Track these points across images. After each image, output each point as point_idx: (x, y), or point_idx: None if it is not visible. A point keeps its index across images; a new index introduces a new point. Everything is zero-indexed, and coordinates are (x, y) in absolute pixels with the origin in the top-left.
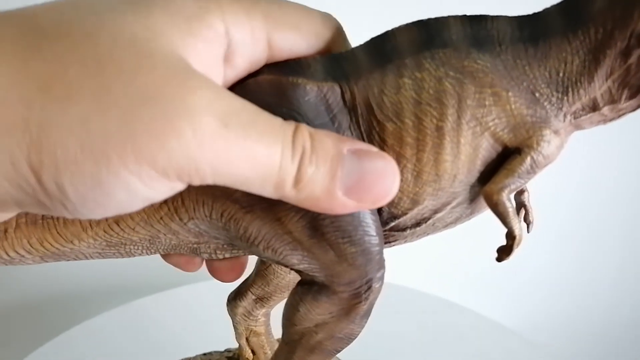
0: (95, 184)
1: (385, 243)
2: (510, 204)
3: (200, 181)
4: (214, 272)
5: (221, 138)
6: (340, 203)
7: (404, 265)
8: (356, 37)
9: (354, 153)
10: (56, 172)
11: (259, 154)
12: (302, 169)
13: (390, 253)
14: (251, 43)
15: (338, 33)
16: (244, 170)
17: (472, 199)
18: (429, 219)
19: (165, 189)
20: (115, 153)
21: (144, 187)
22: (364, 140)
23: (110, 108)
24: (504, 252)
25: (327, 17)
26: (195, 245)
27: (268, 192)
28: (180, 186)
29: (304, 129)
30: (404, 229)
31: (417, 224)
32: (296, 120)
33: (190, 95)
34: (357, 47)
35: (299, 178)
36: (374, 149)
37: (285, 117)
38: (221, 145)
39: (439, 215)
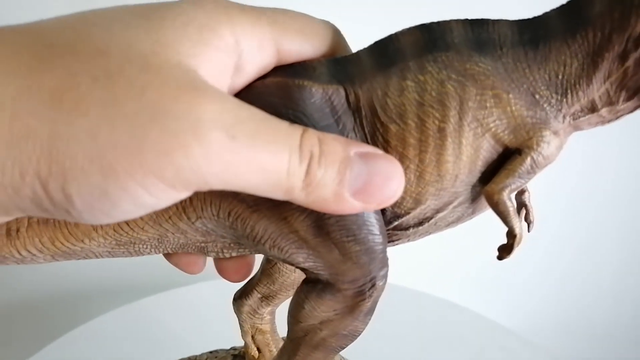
0: (101, 195)
1: (389, 242)
2: (510, 204)
3: (208, 189)
4: (222, 272)
5: (228, 151)
6: (348, 205)
7: (404, 265)
8: (356, 43)
9: (361, 156)
10: (64, 182)
11: (266, 163)
12: (311, 172)
13: (391, 254)
14: (260, 51)
15: (339, 38)
16: (253, 179)
17: (474, 198)
18: (431, 218)
19: (171, 198)
20: (123, 167)
21: (150, 198)
22: (367, 141)
23: (119, 122)
24: (504, 251)
25: (327, 23)
26: (202, 244)
27: (277, 196)
28: (186, 195)
29: (312, 133)
30: (406, 228)
31: (420, 223)
32: (301, 121)
33: (196, 109)
34: (361, 50)
35: (308, 182)
36: (380, 151)
37: (291, 118)
38: (229, 157)
39: (441, 214)
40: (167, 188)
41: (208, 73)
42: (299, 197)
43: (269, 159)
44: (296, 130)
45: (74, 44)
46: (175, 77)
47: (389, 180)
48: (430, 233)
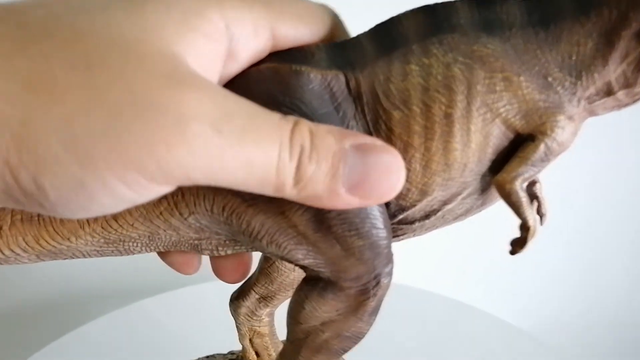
0: (77, 187)
1: (394, 237)
2: (523, 194)
3: (191, 184)
4: (218, 272)
5: (214, 145)
6: (344, 200)
7: (411, 265)
8: (357, 28)
9: (356, 148)
10: (36, 171)
11: (255, 159)
12: (301, 168)
13: (396, 251)
14: (254, 36)
15: (337, 22)
16: (240, 175)
17: (483, 189)
18: (438, 210)
19: (152, 193)
20: (101, 157)
21: (129, 192)
22: (369, 129)
23: (98, 110)
24: (517, 245)
25: (325, 7)
26: (196, 242)
27: (267, 192)
28: (168, 190)
29: (304, 125)
30: (412, 222)
31: (426, 216)
32: (299, 109)
33: (181, 100)
34: (362, 34)
35: (298, 177)
36: (379, 142)
37: (288, 106)
38: (214, 152)
39: (448, 206)
40: (148, 182)
41: (195, 60)
42: (291, 194)
43: (257, 155)
44: (287, 122)
45: (50, 27)
46: (158, 65)
47: (387, 173)
48: (437, 227)
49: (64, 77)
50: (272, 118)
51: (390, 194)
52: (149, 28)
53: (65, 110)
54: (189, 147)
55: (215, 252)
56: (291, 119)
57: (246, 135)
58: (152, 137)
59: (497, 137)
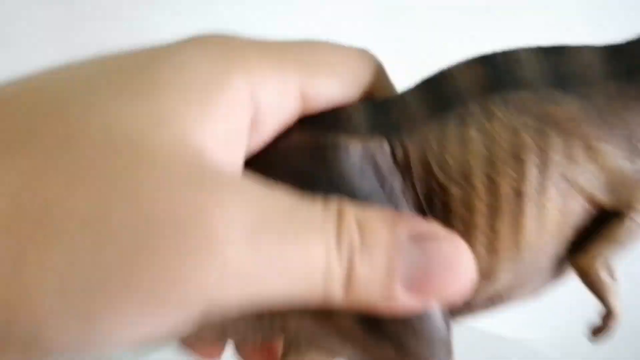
0: (81, 343)
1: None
2: (608, 277)
3: (222, 314)
4: (242, 354)
5: (250, 263)
6: (402, 303)
7: None
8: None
9: (413, 237)
10: (34, 321)
11: (297, 267)
12: (351, 268)
13: None
14: (282, 101)
15: (379, 72)
16: (281, 290)
17: (558, 269)
18: (503, 295)
19: (175, 334)
20: (105, 314)
21: (147, 339)
22: (422, 208)
23: (102, 243)
24: (599, 333)
25: (365, 54)
26: (221, 331)
27: (313, 302)
28: (191, 328)
29: (350, 215)
30: (473, 308)
31: (490, 300)
32: (338, 189)
33: (209, 216)
34: (406, 92)
35: (348, 281)
36: (440, 229)
37: (325, 186)
38: (250, 270)
39: (515, 290)
40: (169, 328)
41: (218, 142)
42: (340, 300)
43: (300, 262)
44: (331, 215)
45: (40, 125)
46: (176, 166)
47: (453, 269)
48: (499, 308)
49: (58, 200)
50: (313, 213)
51: (458, 294)
52: (161, 114)
53: (64, 250)
54: (220, 271)
55: (242, 341)
56: (334, 207)
57: (286, 242)
58: (173, 270)
59: (577, 213)
